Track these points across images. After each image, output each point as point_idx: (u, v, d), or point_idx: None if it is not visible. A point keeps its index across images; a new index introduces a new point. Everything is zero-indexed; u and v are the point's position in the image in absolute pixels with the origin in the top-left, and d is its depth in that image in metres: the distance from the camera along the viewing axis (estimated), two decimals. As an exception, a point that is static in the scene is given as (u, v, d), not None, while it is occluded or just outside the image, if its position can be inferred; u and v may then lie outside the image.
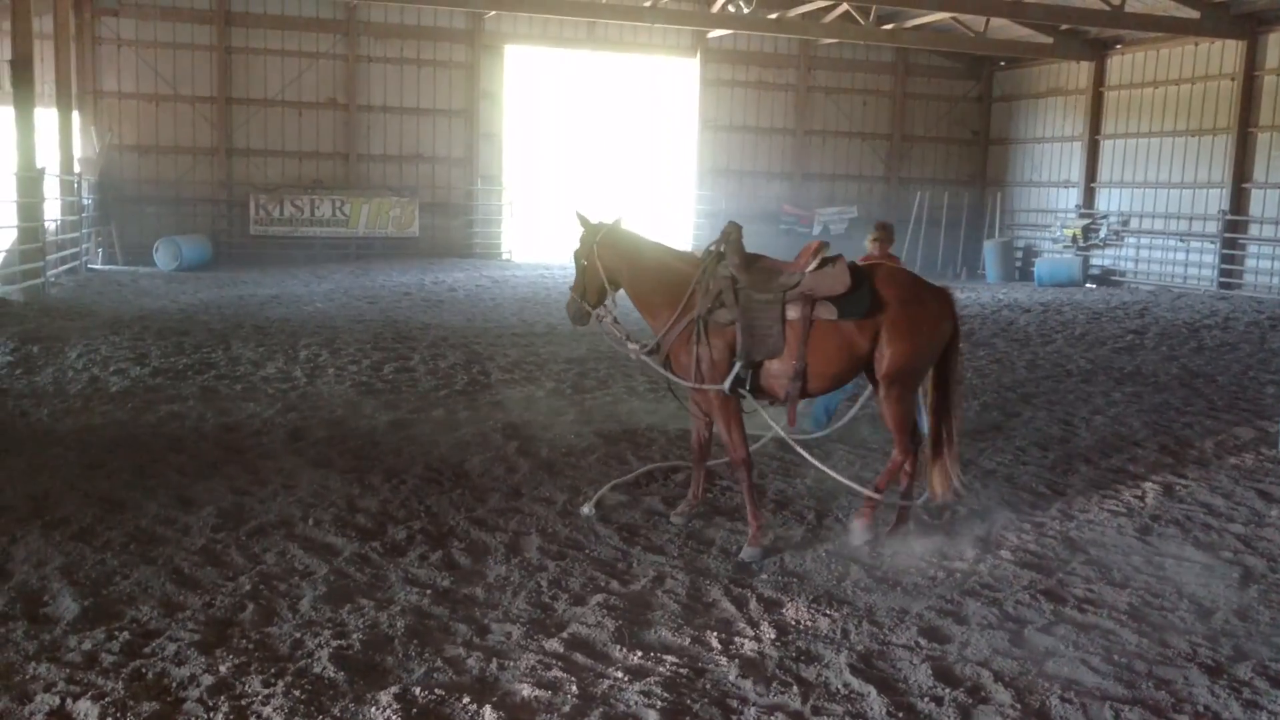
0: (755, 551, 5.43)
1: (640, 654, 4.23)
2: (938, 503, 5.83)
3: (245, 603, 4.60)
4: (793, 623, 4.60)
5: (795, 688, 4.00)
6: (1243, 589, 5.20)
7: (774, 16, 22.50)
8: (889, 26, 23.04)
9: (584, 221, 6.11)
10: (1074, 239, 23.97)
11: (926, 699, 3.96)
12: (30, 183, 15.10)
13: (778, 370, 5.63)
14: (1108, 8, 19.49)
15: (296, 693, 3.80)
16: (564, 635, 4.38)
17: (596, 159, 25.48)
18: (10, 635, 4.20)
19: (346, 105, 23.45)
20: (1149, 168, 22.97)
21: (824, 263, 5.60)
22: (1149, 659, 4.36)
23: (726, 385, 5.60)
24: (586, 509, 6.02)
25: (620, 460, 7.11)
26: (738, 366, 5.56)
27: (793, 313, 5.54)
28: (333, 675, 3.95)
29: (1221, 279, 21.06)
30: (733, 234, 5.75)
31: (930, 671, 4.16)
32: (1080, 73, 24.37)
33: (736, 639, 4.41)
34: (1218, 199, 21.25)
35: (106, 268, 20.59)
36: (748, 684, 4.01)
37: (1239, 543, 5.88)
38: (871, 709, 3.87)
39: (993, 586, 5.12)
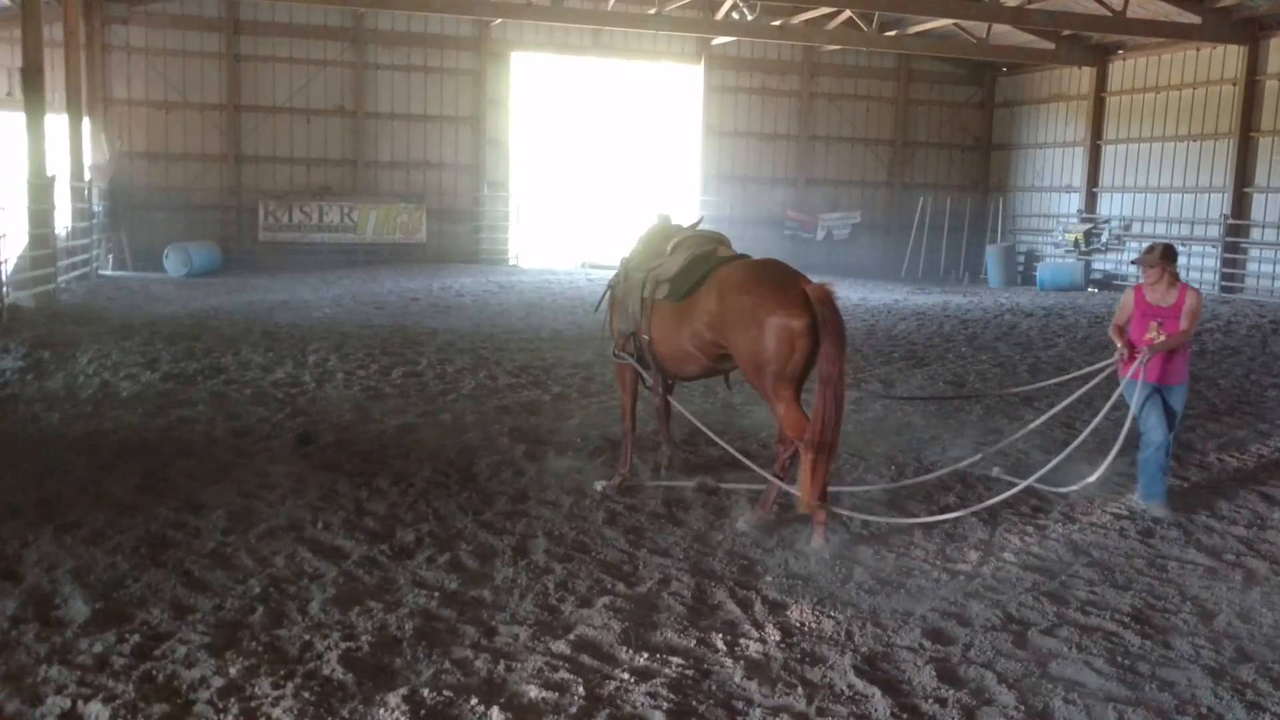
0: (613, 487, 6.46)
1: (646, 655, 4.27)
2: (802, 511, 5.66)
3: (255, 605, 4.64)
4: (797, 625, 4.64)
5: (800, 689, 4.03)
6: (1245, 591, 5.23)
7: (778, 23, 22.58)
8: (892, 33, 23.10)
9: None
10: (1076, 243, 23.97)
11: (930, 700, 3.99)
12: (41, 189, 15.20)
13: (641, 345, 6.34)
14: (1109, 13, 19.53)
15: (306, 694, 3.84)
16: (571, 637, 4.41)
17: (602, 165, 25.56)
18: (21, 638, 4.24)
19: (354, 112, 23.57)
20: (1151, 172, 22.97)
21: (678, 246, 6.24)
22: (1152, 661, 4.39)
23: (611, 351, 6.65)
24: (600, 485, 6.47)
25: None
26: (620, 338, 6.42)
27: (646, 291, 6.25)
28: (342, 677, 3.99)
29: (1223, 283, 21.04)
30: (657, 221, 6.75)
31: (934, 673, 4.19)
32: (1082, 78, 24.41)
33: (742, 641, 4.44)
34: (1219, 203, 21.25)
35: (117, 274, 20.70)
36: (753, 685, 4.05)
37: (1241, 545, 5.90)
38: (876, 710, 3.90)
39: (996, 589, 5.15)
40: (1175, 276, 6.49)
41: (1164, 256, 6.44)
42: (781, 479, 5.89)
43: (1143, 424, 6.48)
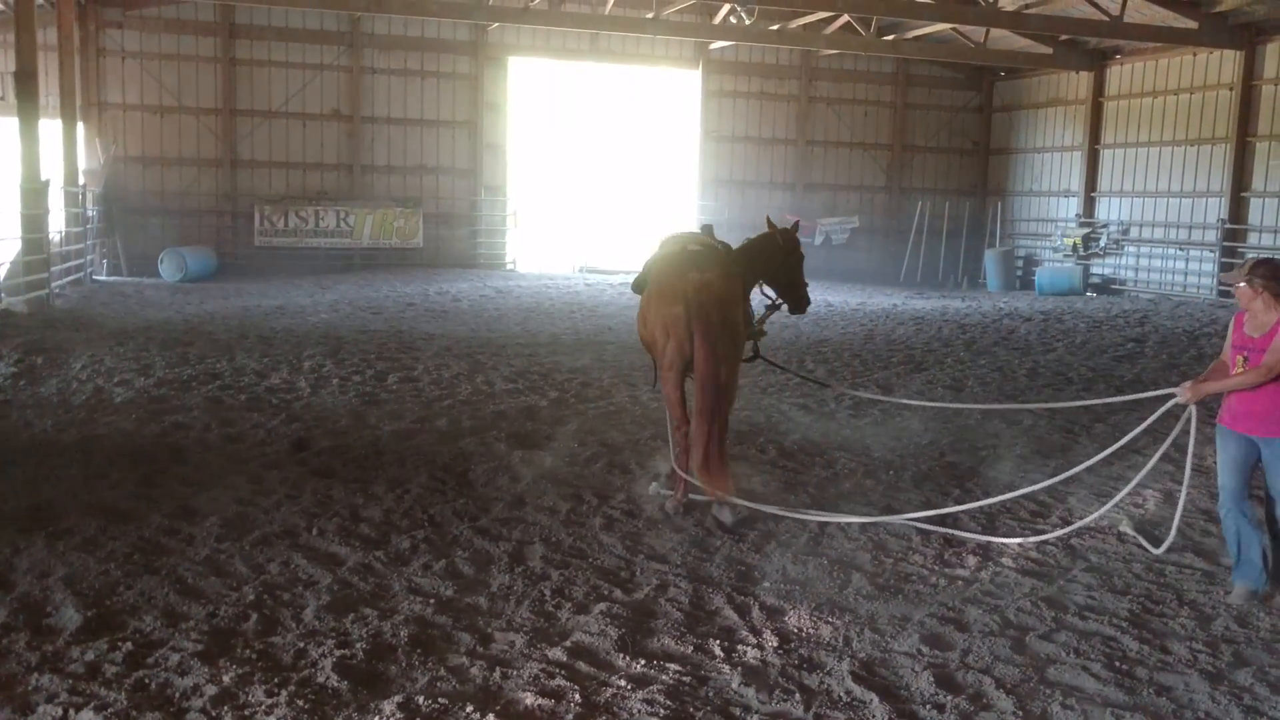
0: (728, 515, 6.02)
1: (643, 662, 4.25)
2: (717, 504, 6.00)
3: (249, 612, 4.61)
4: (795, 630, 4.62)
5: (798, 695, 4.01)
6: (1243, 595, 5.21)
7: (775, 28, 22.61)
8: (890, 37, 23.13)
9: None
10: (1074, 248, 24.01)
11: (928, 706, 3.97)
12: (35, 194, 15.17)
13: None
14: (1107, 18, 19.57)
15: (300, 702, 3.82)
16: (567, 644, 4.39)
17: (600, 170, 25.57)
18: (12, 646, 4.21)
19: (351, 117, 23.56)
20: (1148, 177, 23.02)
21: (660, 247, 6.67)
22: (1150, 665, 4.38)
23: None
24: (655, 486, 6.50)
25: (624, 469, 7.12)
26: None
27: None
28: (336, 685, 3.97)
29: (1221, 287, 21.04)
30: (699, 230, 7.10)
31: (932, 679, 4.17)
32: (1080, 83, 24.45)
33: (739, 647, 4.43)
34: (1217, 208, 21.29)
35: (111, 279, 20.67)
36: (750, 692, 4.03)
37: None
38: (874, 716, 3.88)
39: (994, 594, 5.14)
40: (1278, 298, 4.90)
41: (1253, 271, 4.92)
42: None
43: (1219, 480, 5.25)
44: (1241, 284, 4.95)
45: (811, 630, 4.62)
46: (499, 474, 6.95)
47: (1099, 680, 4.21)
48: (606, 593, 4.98)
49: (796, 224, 7.54)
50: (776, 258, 7.12)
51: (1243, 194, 20.78)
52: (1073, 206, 24.75)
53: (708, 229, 7.12)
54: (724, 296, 5.95)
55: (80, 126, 20.05)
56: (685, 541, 5.75)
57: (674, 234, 6.98)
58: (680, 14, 22.54)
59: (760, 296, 7.25)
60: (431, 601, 4.81)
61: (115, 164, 22.05)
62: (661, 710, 3.85)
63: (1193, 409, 5.30)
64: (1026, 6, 20.15)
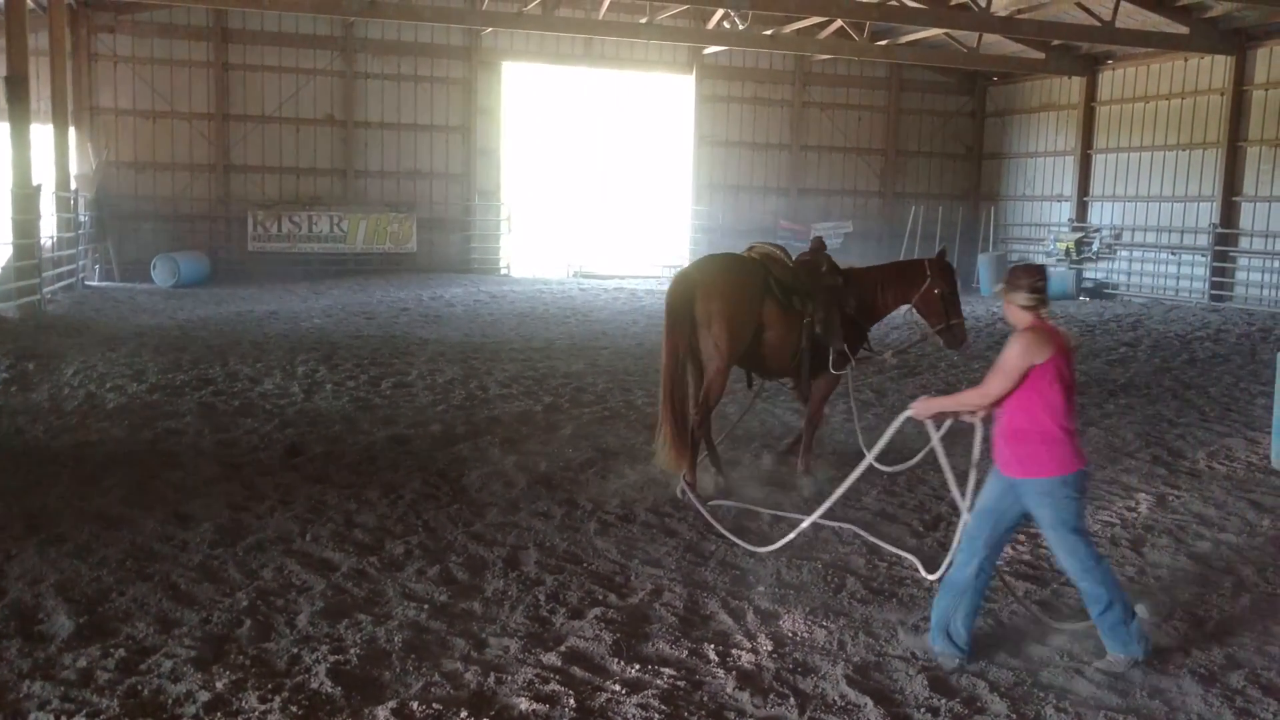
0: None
1: (638, 667, 4.25)
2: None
3: (242, 618, 4.60)
4: (790, 635, 4.62)
5: (792, 699, 4.01)
6: (1235, 598, 5.23)
7: (769, 33, 22.67)
8: (883, 42, 23.22)
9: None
10: (1067, 252, 24.10)
11: (923, 710, 3.98)
12: (26, 199, 15.12)
13: None
14: (1099, 23, 19.67)
15: (293, 708, 3.81)
16: (562, 649, 4.39)
17: (594, 174, 25.58)
18: (4, 653, 4.20)
19: (344, 121, 23.54)
20: (1140, 182, 23.13)
21: None
22: (1142, 668, 4.38)
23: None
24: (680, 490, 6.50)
25: (619, 475, 7.12)
26: None
27: None
28: (330, 690, 3.96)
29: (1213, 291, 21.18)
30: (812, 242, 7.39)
31: (926, 682, 4.18)
32: (1072, 88, 24.57)
33: (734, 651, 4.43)
34: (1208, 212, 21.39)
35: (103, 284, 20.60)
36: (745, 696, 4.03)
37: (1231, 553, 5.92)
38: (868, 720, 3.89)
39: (988, 597, 5.13)
40: (1031, 312, 4.21)
41: (1010, 281, 4.21)
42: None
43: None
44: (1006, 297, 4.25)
45: (806, 634, 4.63)
46: (493, 479, 6.94)
47: (1093, 683, 4.22)
48: (601, 597, 4.98)
49: (944, 251, 7.32)
50: (915, 286, 7.00)
51: (1234, 198, 20.90)
52: (1065, 211, 24.84)
53: (818, 239, 7.36)
54: (704, 297, 6.45)
55: (72, 131, 20.00)
56: (680, 546, 5.75)
57: (760, 243, 7.31)
58: (674, 19, 22.59)
59: (910, 323, 7.61)
60: (425, 607, 4.80)
61: (107, 169, 21.99)
62: (656, 715, 3.85)
63: (929, 424, 4.82)
64: (1019, 12, 20.23)
